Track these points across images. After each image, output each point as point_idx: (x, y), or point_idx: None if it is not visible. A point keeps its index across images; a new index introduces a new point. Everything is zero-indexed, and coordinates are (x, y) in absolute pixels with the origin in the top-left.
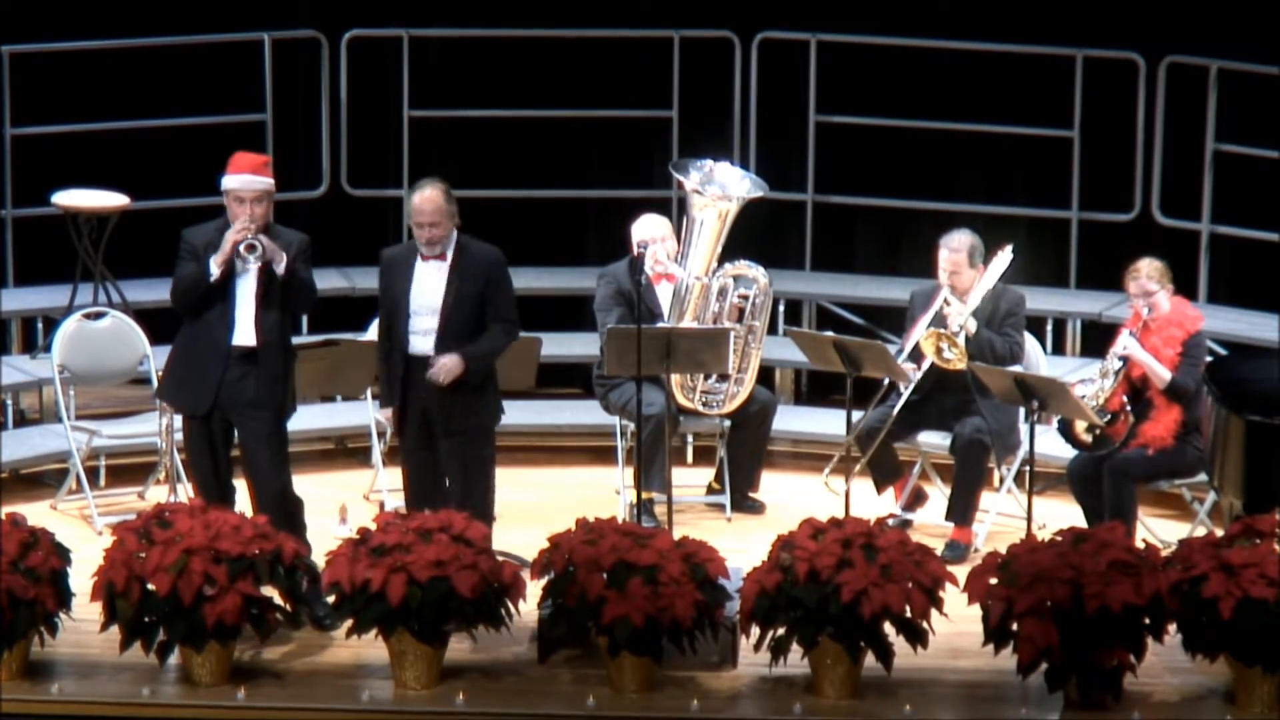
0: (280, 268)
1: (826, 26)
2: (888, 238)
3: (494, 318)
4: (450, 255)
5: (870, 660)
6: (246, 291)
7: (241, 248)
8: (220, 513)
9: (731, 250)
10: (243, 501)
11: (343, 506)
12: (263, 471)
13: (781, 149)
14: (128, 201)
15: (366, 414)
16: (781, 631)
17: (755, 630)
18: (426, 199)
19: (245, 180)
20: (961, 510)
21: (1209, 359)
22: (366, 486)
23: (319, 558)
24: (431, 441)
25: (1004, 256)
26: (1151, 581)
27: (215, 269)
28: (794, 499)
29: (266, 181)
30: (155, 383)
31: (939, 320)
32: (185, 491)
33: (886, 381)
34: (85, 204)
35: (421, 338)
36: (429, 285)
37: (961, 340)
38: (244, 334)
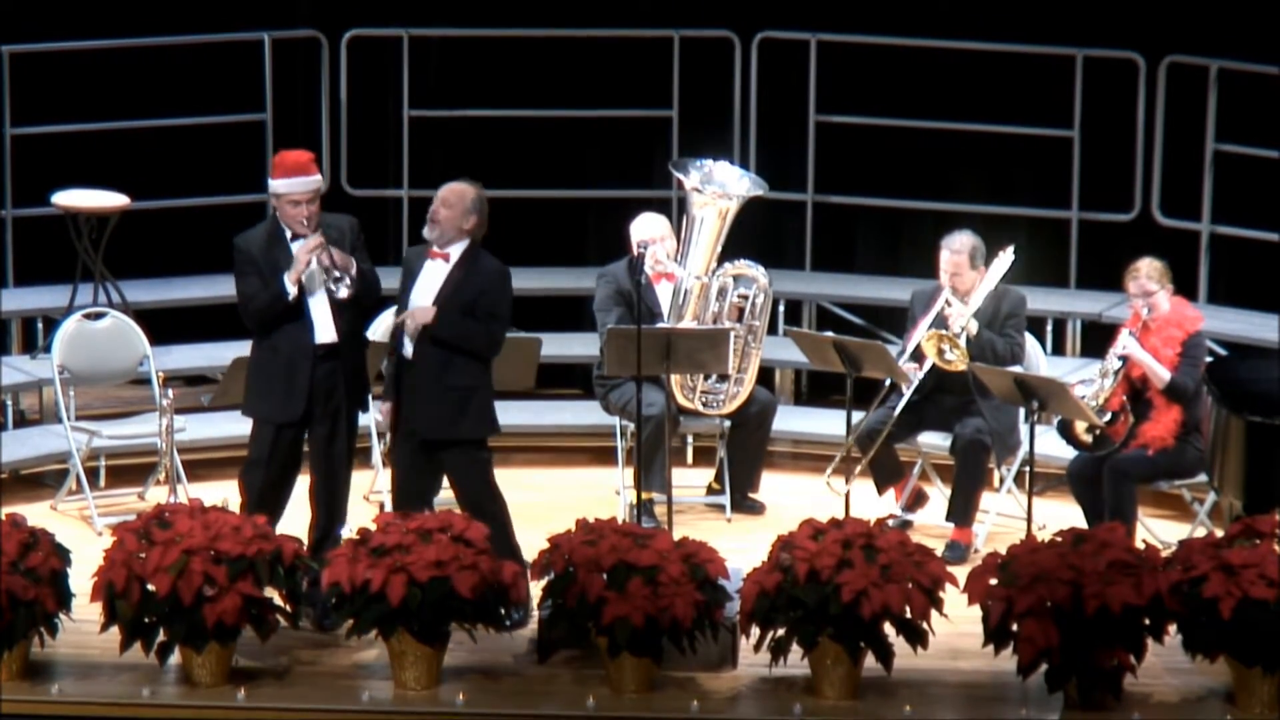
0: (353, 270)
1: (826, 26)
2: (888, 238)
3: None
4: (455, 259)
5: (870, 660)
6: (318, 289)
7: (330, 284)
8: (220, 513)
9: (731, 250)
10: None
11: None
12: (337, 469)
13: (781, 149)
14: (128, 201)
15: (367, 414)
16: (781, 632)
17: (755, 630)
18: (448, 185)
19: (299, 182)
20: (962, 511)
21: (1209, 359)
22: (366, 486)
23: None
24: (424, 446)
25: (1005, 257)
26: (1151, 582)
27: (291, 287)
28: (794, 499)
29: (317, 179)
30: (155, 383)
31: (940, 321)
32: (185, 492)
33: (887, 382)
34: (85, 204)
35: (410, 338)
36: (427, 284)
37: (963, 341)
38: (324, 331)
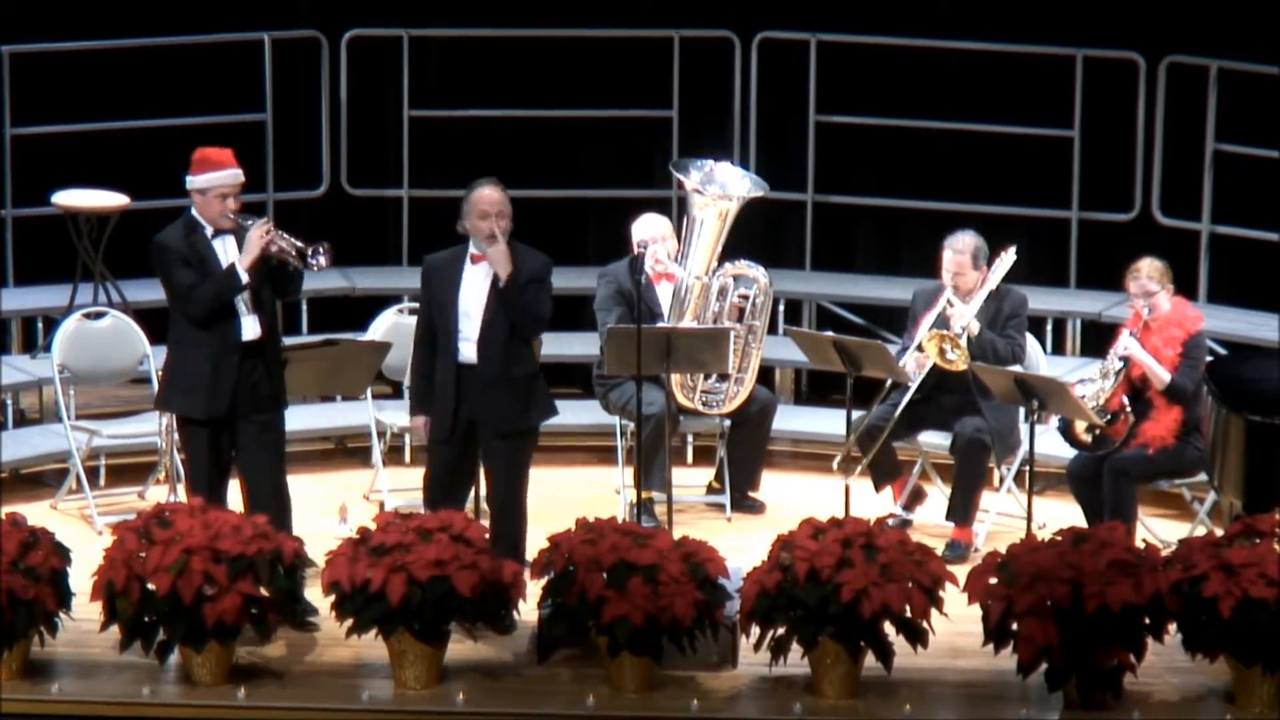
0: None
1: (826, 26)
2: (888, 238)
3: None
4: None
5: (870, 660)
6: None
7: (311, 260)
8: (220, 512)
9: (731, 250)
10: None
11: (343, 506)
12: (266, 468)
13: (781, 149)
14: (128, 201)
15: (366, 414)
16: (781, 631)
17: (755, 630)
18: (493, 191)
19: (231, 174)
20: (962, 510)
21: (1209, 359)
22: (366, 486)
23: (317, 557)
24: (469, 446)
25: (1007, 258)
26: (1151, 581)
27: (246, 274)
28: (794, 499)
29: (241, 172)
30: (155, 383)
31: (941, 321)
32: (185, 491)
33: (888, 381)
34: (85, 204)
35: (468, 343)
36: (476, 287)
37: (964, 341)
38: (249, 328)
